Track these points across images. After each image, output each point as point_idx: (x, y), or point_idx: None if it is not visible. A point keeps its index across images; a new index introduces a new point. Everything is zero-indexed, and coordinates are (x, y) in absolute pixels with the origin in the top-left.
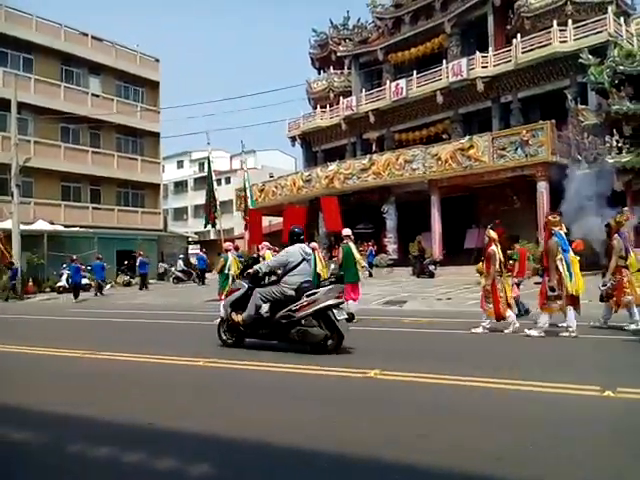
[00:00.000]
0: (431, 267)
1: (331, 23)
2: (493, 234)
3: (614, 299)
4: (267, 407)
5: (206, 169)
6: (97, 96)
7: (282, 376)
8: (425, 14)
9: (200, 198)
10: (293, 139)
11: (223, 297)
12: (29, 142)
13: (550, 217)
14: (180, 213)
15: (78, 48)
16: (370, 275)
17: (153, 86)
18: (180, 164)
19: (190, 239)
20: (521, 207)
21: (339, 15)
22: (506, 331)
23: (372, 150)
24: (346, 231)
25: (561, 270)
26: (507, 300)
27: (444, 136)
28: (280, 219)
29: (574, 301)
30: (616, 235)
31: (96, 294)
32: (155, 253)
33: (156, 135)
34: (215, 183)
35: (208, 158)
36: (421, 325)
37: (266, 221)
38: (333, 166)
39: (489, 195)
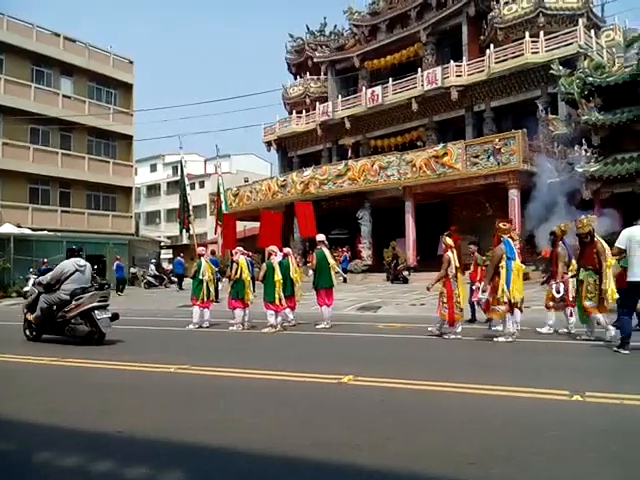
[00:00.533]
0: (405, 273)
1: (308, 29)
2: (449, 241)
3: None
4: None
5: (179, 173)
6: (69, 97)
7: (266, 382)
8: (401, 23)
9: (173, 202)
10: (269, 144)
11: (197, 303)
12: None
13: (500, 224)
14: (153, 217)
15: (50, 49)
16: (345, 281)
17: (127, 88)
18: (153, 167)
19: (162, 244)
20: (493, 214)
21: (316, 21)
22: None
23: (348, 156)
24: (320, 237)
25: (498, 277)
26: (461, 305)
27: (419, 143)
28: (255, 224)
29: (511, 308)
30: (561, 243)
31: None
32: (126, 257)
33: (129, 138)
34: (189, 187)
35: (181, 162)
36: (395, 330)
37: (241, 226)
38: (309, 171)
39: (463, 202)
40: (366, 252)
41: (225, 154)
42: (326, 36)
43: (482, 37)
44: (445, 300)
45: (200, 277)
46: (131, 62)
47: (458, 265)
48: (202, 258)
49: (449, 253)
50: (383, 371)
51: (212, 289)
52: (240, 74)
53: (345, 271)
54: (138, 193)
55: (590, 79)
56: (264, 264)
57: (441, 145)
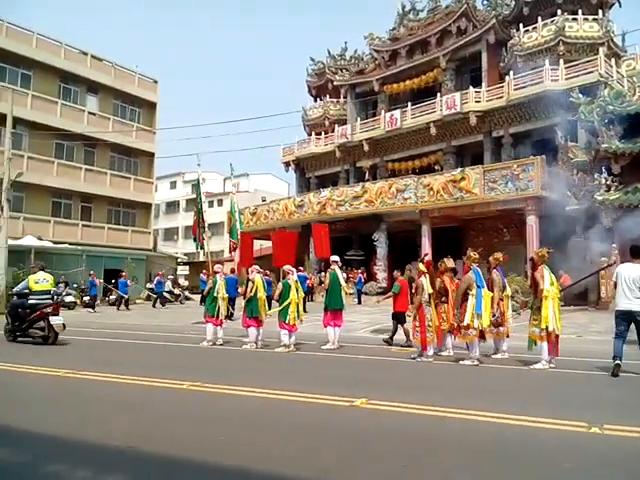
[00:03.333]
0: None
1: (329, 53)
2: (422, 267)
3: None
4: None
5: (196, 190)
6: (94, 114)
7: (269, 402)
8: (421, 48)
9: (191, 219)
10: (287, 164)
11: (212, 320)
12: (22, 157)
13: (471, 253)
14: (170, 233)
15: (77, 67)
16: (359, 302)
17: (150, 107)
18: (173, 184)
19: (179, 260)
20: (510, 240)
21: (337, 45)
22: (443, 353)
23: (365, 178)
24: (334, 257)
25: (471, 303)
26: (435, 329)
27: (436, 167)
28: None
29: (481, 334)
30: (495, 270)
31: (118, 308)
32: (143, 273)
33: (151, 155)
34: (206, 205)
35: (198, 180)
36: (408, 354)
37: (257, 245)
38: (326, 192)
39: (479, 227)
40: (381, 274)
41: (243, 173)
42: (346, 60)
43: (501, 64)
44: (418, 324)
45: (215, 294)
46: (155, 82)
47: (431, 291)
48: (217, 275)
49: (422, 279)
50: (396, 395)
51: (223, 307)
52: (260, 94)
53: (360, 293)
54: (157, 209)
55: (610, 107)
56: (280, 283)
57: (459, 169)
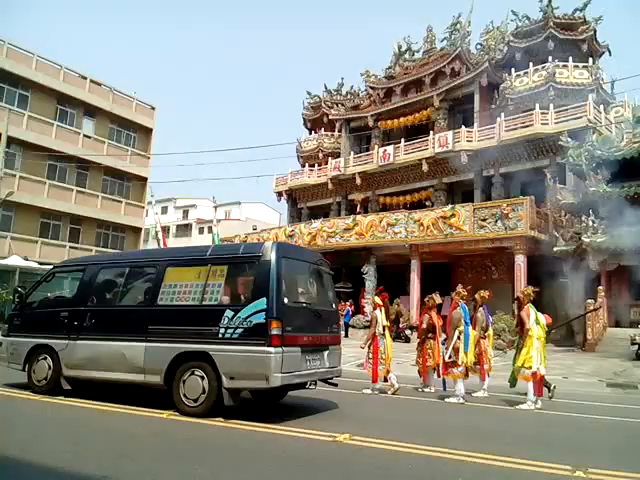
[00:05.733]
0: (407, 332)
1: (325, 88)
2: (378, 300)
3: (478, 367)
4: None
5: (190, 216)
6: (89, 137)
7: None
8: (415, 87)
9: (181, 244)
10: (279, 194)
11: None
12: (14, 176)
13: (460, 289)
14: None
15: (75, 90)
16: (346, 335)
17: (146, 132)
18: (164, 209)
19: None
20: (499, 278)
21: (333, 80)
22: (389, 392)
23: (356, 211)
24: None
25: (459, 340)
26: (388, 362)
27: (427, 203)
28: None
29: (466, 372)
30: (480, 308)
31: None
32: None
33: (144, 179)
34: (196, 231)
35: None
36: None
37: None
38: (317, 223)
39: (468, 264)
40: (369, 307)
41: (235, 201)
42: (342, 95)
43: (493, 106)
44: (371, 356)
45: None
46: (153, 108)
47: (386, 323)
48: None
49: (377, 311)
50: (379, 431)
51: None
52: (256, 126)
53: (347, 325)
54: (147, 234)
55: (598, 152)
56: None
57: (449, 206)
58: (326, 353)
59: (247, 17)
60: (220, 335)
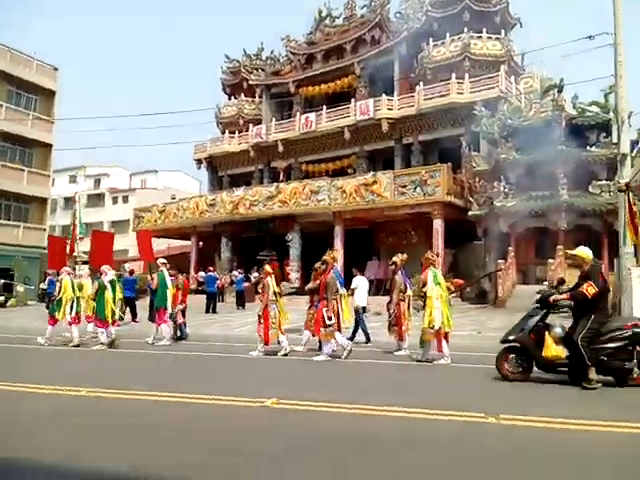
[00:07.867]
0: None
1: (244, 52)
2: (268, 268)
3: (395, 328)
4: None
5: (102, 185)
6: None
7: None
8: (336, 54)
9: (94, 215)
10: (199, 162)
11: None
12: None
13: (327, 257)
14: (69, 231)
15: None
16: (242, 305)
17: (49, 95)
18: (73, 179)
19: (78, 259)
20: (418, 242)
21: (253, 46)
22: (279, 354)
23: (279, 179)
24: (161, 260)
25: (336, 302)
26: (279, 326)
27: (349, 170)
28: (182, 242)
29: (339, 329)
30: (398, 272)
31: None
32: (37, 272)
33: (48, 146)
34: (110, 201)
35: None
36: (311, 354)
37: (165, 243)
38: (239, 192)
39: (389, 229)
40: (294, 275)
41: (152, 169)
42: (262, 60)
43: (413, 75)
44: (262, 321)
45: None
46: (55, 69)
47: (277, 290)
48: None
49: (268, 279)
50: (297, 393)
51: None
52: (171, 88)
53: (240, 294)
54: (54, 205)
55: (509, 121)
56: (96, 282)
57: (371, 174)
58: None
59: None
60: None
